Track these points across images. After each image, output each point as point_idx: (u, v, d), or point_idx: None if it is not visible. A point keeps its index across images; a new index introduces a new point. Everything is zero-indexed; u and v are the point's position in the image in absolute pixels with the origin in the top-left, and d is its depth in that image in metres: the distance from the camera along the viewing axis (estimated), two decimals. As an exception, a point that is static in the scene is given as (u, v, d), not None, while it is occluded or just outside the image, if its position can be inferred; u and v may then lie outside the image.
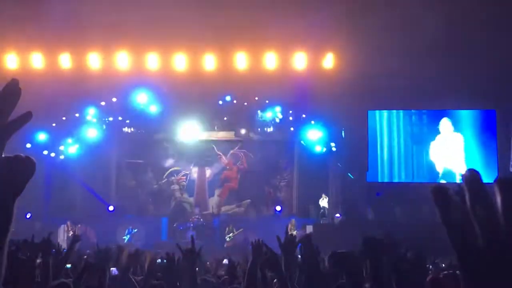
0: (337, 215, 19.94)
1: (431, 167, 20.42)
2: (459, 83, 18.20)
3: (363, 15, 16.98)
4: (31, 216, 18.46)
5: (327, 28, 17.68)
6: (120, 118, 20.91)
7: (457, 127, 20.52)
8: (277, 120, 20.76)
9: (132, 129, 21.29)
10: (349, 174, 20.32)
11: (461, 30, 16.64)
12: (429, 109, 20.62)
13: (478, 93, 18.82)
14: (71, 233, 18.88)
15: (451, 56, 17.28)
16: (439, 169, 20.30)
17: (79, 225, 19.25)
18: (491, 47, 17.20)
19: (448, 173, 20.01)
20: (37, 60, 19.42)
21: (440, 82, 18.25)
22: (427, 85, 18.42)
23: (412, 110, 20.77)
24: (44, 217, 19.16)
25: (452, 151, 20.35)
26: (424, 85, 18.44)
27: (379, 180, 20.59)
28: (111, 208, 20.57)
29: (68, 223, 19.00)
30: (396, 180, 20.58)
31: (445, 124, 20.55)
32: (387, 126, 20.75)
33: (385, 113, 20.83)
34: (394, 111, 20.79)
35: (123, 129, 21.23)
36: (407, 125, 20.78)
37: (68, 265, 7.44)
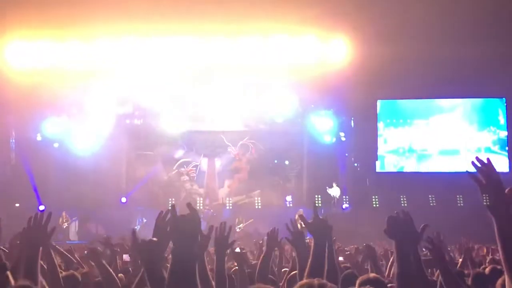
0: (346, 205, 19.96)
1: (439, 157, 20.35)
2: (467, 71, 18.07)
3: (374, 2, 16.91)
4: (45, 208, 18.60)
5: (337, 16, 17.61)
6: (130, 110, 21.01)
7: (466, 115, 20.38)
8: (286, 110, 20.70)
9: (141, 121, 21.36)
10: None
11: (471, 17, 16.49)
12: (438, 97, 20.50)
13: (488, 81, 18.69)
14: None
15: (459, 44, 17.14)
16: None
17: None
18: (501, 34, 17.07)
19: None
20: (45, 52, 19.46)
21: (449, 70, 18.12)
22: (436, 73, 18.29)
23: (424, 99, 20.66)
24: (56, 209, 19.30)
25: (457, 139, 20.29)
26: (433, 73, 18.31)
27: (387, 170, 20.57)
28: (123, 199, 20.67)
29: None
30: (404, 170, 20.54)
31: (454, 112, 20.45)
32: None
33: (396, 102, 20.78)
34: (405, 100, 20.70)
35: (133, 121, 21.33)
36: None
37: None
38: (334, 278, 3.19)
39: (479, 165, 2.34)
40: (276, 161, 21.83)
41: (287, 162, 21.91)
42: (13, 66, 19.34)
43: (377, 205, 19.57)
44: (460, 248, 6.03)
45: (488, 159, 2.36)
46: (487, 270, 4.82)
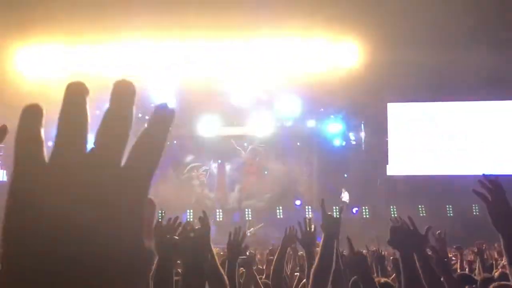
0: (356, 209, 19.89)
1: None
2: (479, 74, 17.96)
3: (385, 4, 16.86)
4: None
5: (347, 19, 17.59)
6: (140, 115, 21.06)
7: (478, 117, 20.25)
8: (296, 114, 20.69)
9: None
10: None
11: (484, 19, 16.41)
12: (448, 100, 20.37)
13: (499, 83, 18.57)
14: None
15: (469, 46, 17.05)
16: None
17: None
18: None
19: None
20: (57, 58, 19.60)
21: (459, 73, 18.02)
22: (448, 76, 18.20)
23: (435, 102, 20.54)
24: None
25: (468, 142, 20.17)
26: (445, 76, 18.22)
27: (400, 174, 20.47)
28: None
29: None
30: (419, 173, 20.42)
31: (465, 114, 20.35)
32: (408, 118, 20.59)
33: (406, 105, 20.68)
34: (415, 103, 20.60)
35: (143, 125, 21.37)
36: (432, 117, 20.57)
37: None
38: (340, 278, 3.18)
39: (486, 183, 2.35)
40: (286, 165, 21.82)
41: (297, 166, 21.91)
42: (24, 72, 19.48)
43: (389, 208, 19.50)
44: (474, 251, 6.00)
45: (496, 176, 2.36)
46: (496, 274, 4.77)
